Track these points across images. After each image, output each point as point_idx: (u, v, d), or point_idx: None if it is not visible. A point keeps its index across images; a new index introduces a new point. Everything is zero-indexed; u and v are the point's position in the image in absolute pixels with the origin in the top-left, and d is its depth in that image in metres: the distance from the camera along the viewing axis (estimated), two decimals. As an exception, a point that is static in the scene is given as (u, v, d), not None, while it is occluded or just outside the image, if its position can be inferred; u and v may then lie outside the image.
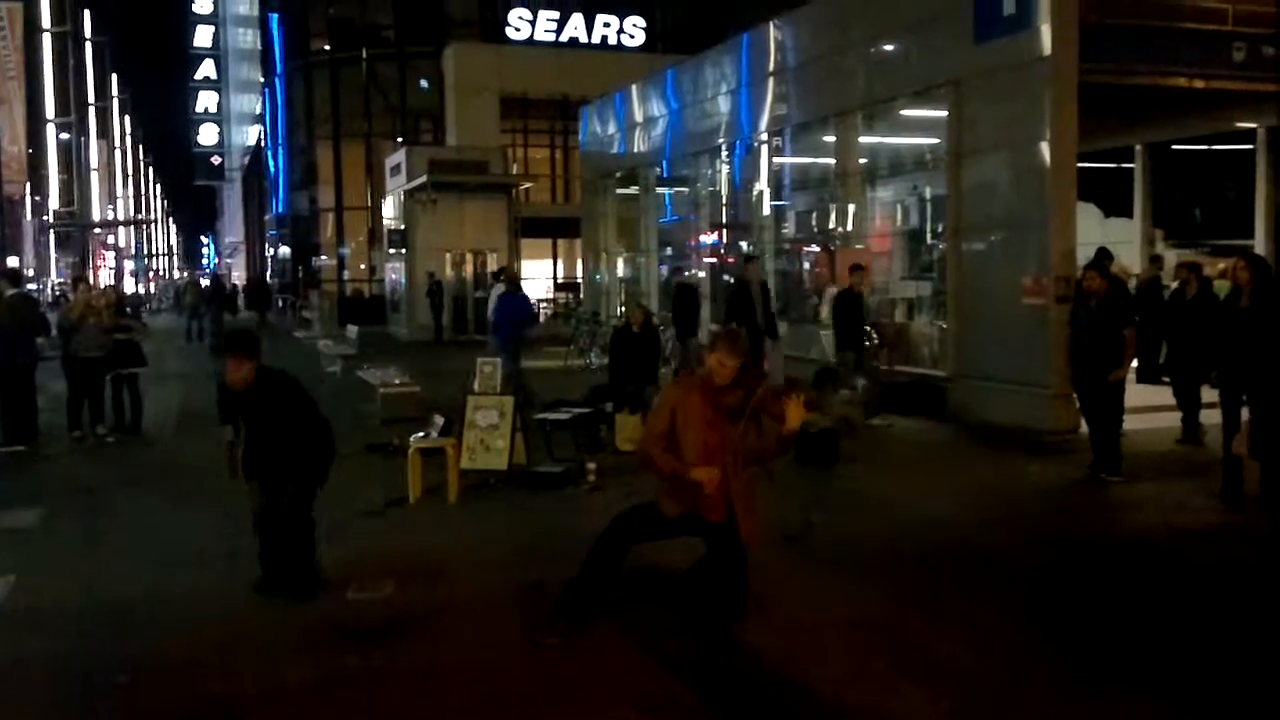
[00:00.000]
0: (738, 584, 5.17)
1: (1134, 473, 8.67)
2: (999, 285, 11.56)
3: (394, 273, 31.86)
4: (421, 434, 8.58)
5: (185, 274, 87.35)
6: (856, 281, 11.88)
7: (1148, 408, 10.62)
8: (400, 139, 37.30)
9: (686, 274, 19.50)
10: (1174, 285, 10.96)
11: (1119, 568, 6.38)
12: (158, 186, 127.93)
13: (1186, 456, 9.63)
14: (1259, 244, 15.41)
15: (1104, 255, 9.81)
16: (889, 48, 13.75)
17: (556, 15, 38.29)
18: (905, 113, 13.85)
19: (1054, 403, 10.53)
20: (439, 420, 8.64)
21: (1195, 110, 14.58)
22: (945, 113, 12.52)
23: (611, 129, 23.65)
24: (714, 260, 20.10)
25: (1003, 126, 11.68)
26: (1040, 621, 5.40)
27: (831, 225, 15.73)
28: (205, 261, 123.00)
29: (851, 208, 14.83)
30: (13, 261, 39.00)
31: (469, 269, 28.39)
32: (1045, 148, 11.03)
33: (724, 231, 20.46)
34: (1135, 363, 10.25)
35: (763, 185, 17.29)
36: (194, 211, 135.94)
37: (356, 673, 4.78)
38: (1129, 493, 8.29)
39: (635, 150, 22.32)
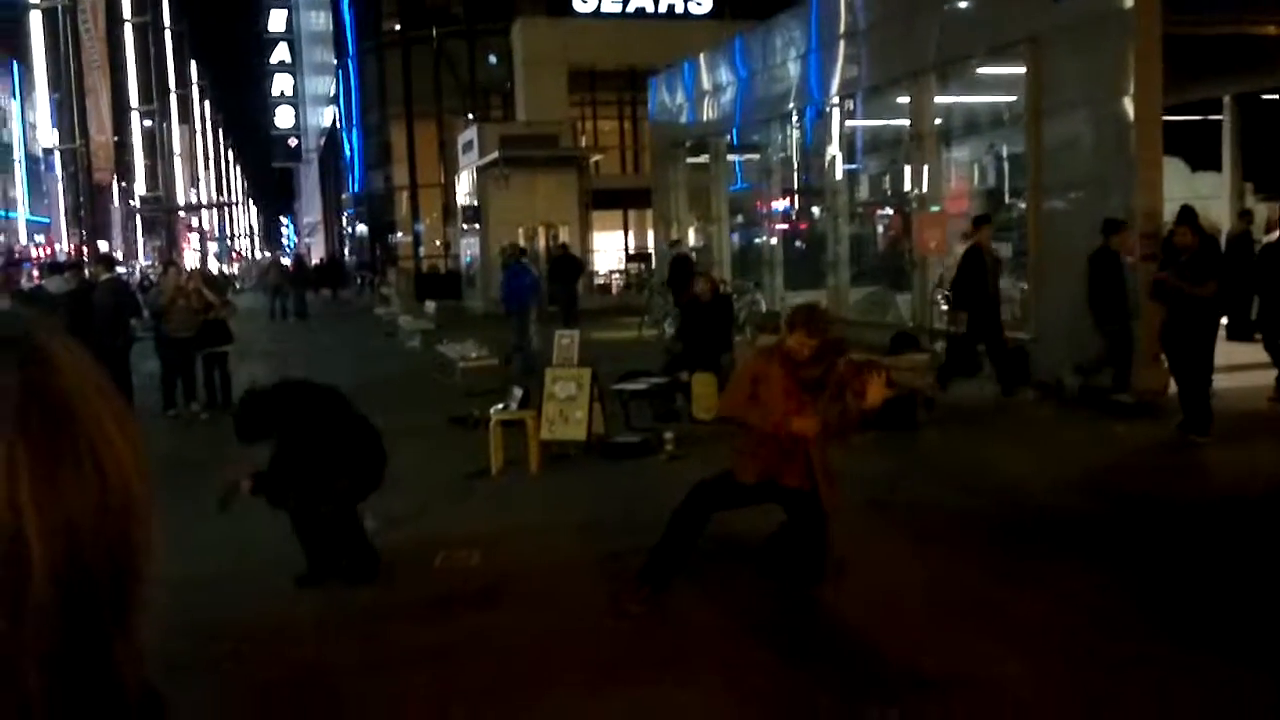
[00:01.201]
0: (818, 549, 5.21)
1: (1224, 433, 8.46)
2: (1083, 245, 11.30)
3: (469, 248, 32.21)
4: (501, 406, 8.73)
5: (267, 254, 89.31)
6: (1119, 243, 10.04)
7: (1240, 366, 10.33)
8: (471, 116, 37.58)
9: (684, 247, 20.57)
10: (1267, 239, 10.61)
11: (1205, 531, 6.26)
12: (238, 169, 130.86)
13: (1280, 416, 9.37)
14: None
15: (1189, 213, 9.50)
16: (963, 5, 13.46)
17: (623, -15, 38.11)
18: (981, 71, 13.57)
19: (1139, 362, 10.29)
20: (518, 392, 8.78)
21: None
22: (1023, 70, 12.24)
23: (680, 98, 23.54)
24: (785, 226, 19.97)
25: (1083, 82, 11.37)
26: (1124, 586, 5.34)
27: (907, 188, 15.51)
28: (285, 241, 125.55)
29: (926, 169, 14.60)
30: (103, 246, 40.31)
31: (541, 242, 28.61)
32: (1128, 103, 10.71)
33: (795, 197, 20.31)
34: (1225, 320, 9.97)
35: (835, 150, 17.09)
36: (273, 193, 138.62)
37: (445, 642, 4.93)
38: (1218, 454, 8.11)
39: (704, 119, 22.20)
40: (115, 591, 0.66)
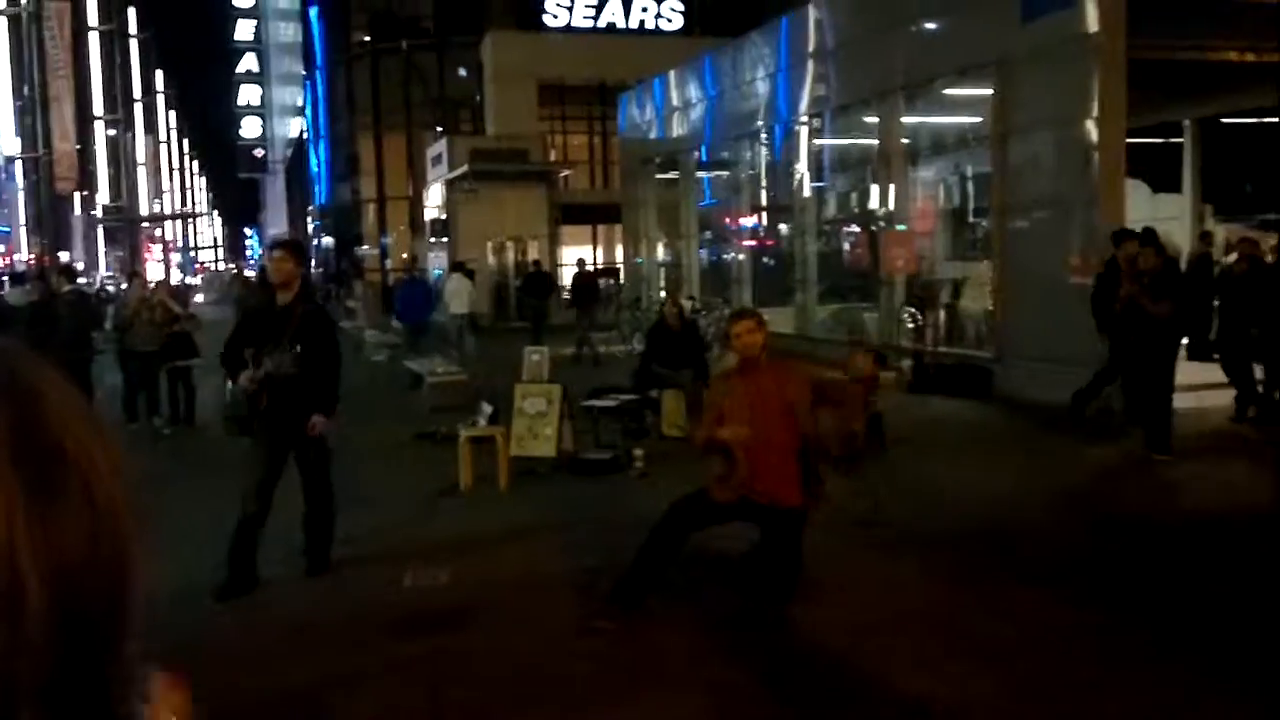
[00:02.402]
0: (790, 568, 5.22)
1: (1187, 451, 8.59)
2: (1045, 264, 11.46)
3: (436, 262, 32.16)
4: (470, 422, 8.69)
5: (232, 267, 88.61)
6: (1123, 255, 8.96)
7: (1199, 385, 10.48)
8: (440, 129, 37.52)
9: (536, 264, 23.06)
10: (1226, 260, 10.78)
11: (1170, 548, 6.33)
12: (203, 180, 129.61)
13: (1239, 434, 9.51)
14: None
15: (1150, 235, 9.60)
16: (931, 26, 13.63)
17: (594, 1, 38.26)
18: (948, 92, 13.73)
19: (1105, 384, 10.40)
20: (487, 408, 8.74)
21: (1245, 84, 14.30)
22: (989, 91, 12.40)
23: (650, 114, 23.64)
24: (753, 242, 20.09)
25: (1049, 104, 11.55)
26: (1096, 605, 5.38)
27: (874, 205, 15.65)
28: (250, 254, 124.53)
29: (893, 188, 14.75)
30: (63, 257, 39.77)
31: (509, 256, 28.56)
32: (1092, 125, 10.90)
33: (764, 214, 20.42)
34: (1185, 340, 10.12)
35: (803, 167, 17.23)
36: (238, 204, 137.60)
37: (415, 660, 4.88)
38: (1178, 472, 8.22)
39: (674, 135, 22.30)
40: (107, 622, 0.66)
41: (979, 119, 13.18)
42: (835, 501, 5.47)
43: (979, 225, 13.64)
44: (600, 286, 23.78)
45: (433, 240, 32.01)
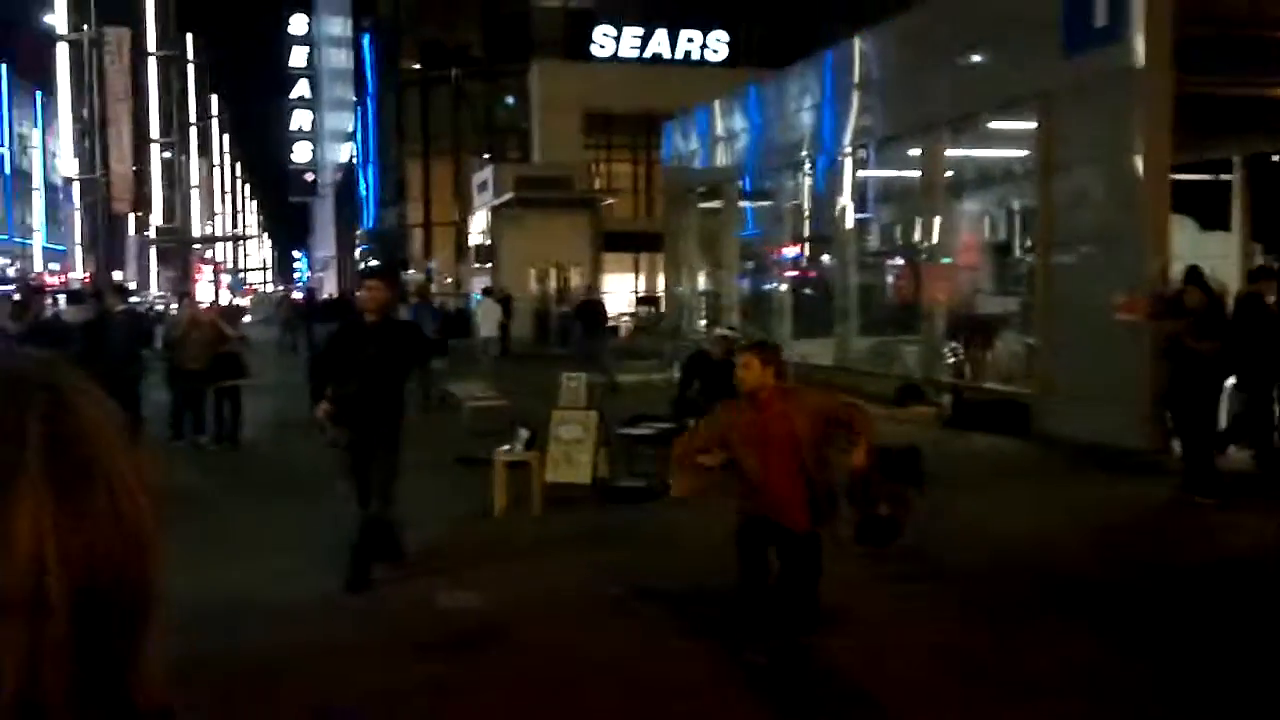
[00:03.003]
0: (805, 597, 5.14)
1: (1229, 494, 8.44)
2: (1089, 301, 11.34)
3: (481, 287, 32.49)
4: (506, 447, 8.75)
5: (281, 288, 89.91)
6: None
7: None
8: (487, 155, 37.96)
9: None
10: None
11: (1203, 593, 6.22)
12: (254, 203, 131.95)
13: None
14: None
15: (1195, 273, 9.54)
16: (976, 60, 13.62)
17: (640, 32, 38.61)
18: (992, 125, 13.70)
19: (1143, 421, 10.27)
20: (524, 433, 8.81)
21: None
22: (1034, 125, 12.36)
23: (694, 144, 23.76)
24: (795, 273, 20.08)
25: (1094, 139, 11.48)
26: (1121, 649, 5.31)
27: (917, 238, 15.61)
28: (298, 276, 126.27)
29: (937, 221, 14.70)
30: (117, 276, 40.63)
31: (551, 283, 28.77)
32: (1138, 161, 10.80)
33: (805, 245, 20.42)
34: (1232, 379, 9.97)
35: (845, 199, 17.22)
36: (287, 226, 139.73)
37: (444, 680, 4.92)
38: (1220, 516, 8.07)
39: (717, 164, 22.39)
40: (129, 625, 0.69)
41: (1024, 152, 13.13)
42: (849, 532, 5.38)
43: (1024, 260, 13.54)
44: (606, 313, 23.93)
45: (476, 266, 32.32)
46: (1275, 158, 16.83)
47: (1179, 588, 6.32)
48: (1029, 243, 13.16)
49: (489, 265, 30.12)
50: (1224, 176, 17.17)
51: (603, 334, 19.08)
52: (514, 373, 16.58)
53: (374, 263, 49.78)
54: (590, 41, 38.44)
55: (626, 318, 33.78)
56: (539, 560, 7.09)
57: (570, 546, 7.44)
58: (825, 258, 18.71)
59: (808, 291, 19.95)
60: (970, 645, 5.29)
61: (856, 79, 16.40)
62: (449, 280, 41.61)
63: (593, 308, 19.90)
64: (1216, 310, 9.43)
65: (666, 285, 27.36)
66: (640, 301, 36.86)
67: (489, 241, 30.14)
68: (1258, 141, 15.94)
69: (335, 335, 6.99)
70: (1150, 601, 6.07)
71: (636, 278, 39.73)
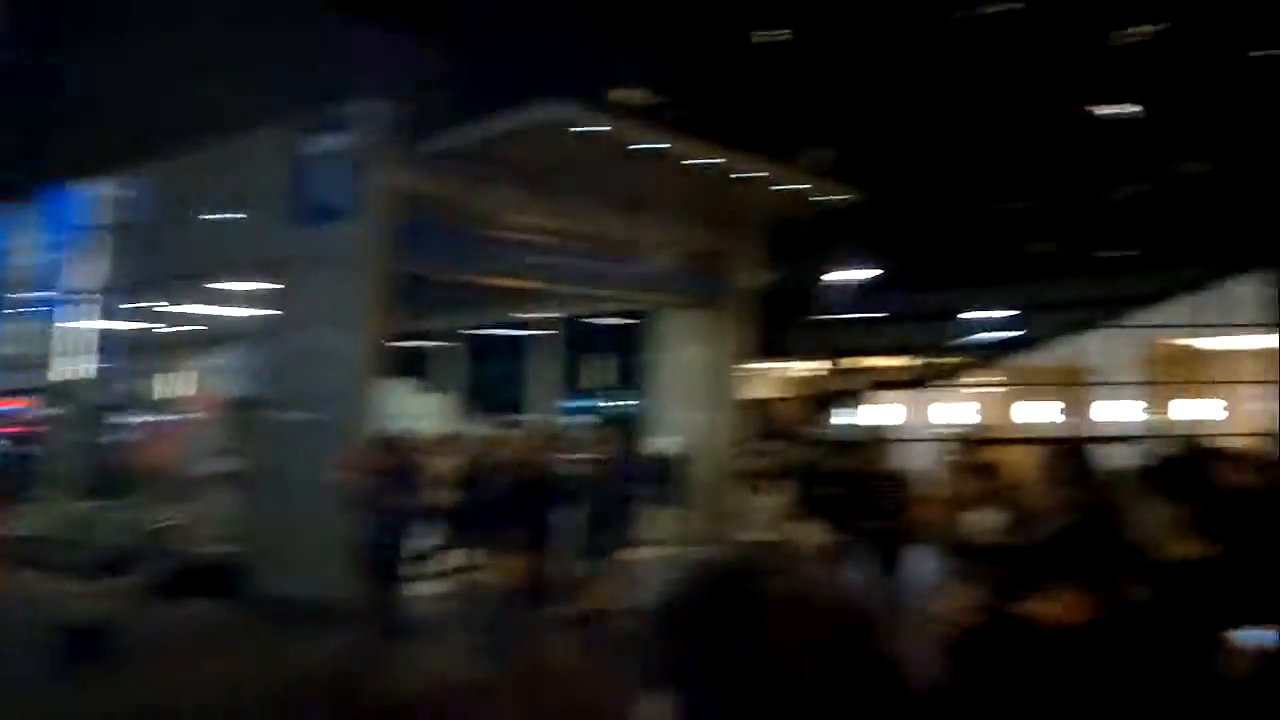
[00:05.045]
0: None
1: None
2: (303, 459, 11.58)
3: None
4: None
5: None
6: None
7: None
8: None
9: None
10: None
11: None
12: None
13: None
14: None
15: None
16: (216, 219, 13.61)
17: None
18: (229, 285, 13.79)
19: (345, 572, 10.40)
20: None
21: (502, 301, 16.50)
22: (269, 286, 12.66)
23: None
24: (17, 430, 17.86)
25: (322, 306, 12.04)
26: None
27: (151, 393, 14.86)
28: None
29: (172, 376, 14.18)
30: None
31: None
32: (361, 329, 11.62)
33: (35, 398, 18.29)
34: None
35: (76, 349, 15.83)
36: None
37: None
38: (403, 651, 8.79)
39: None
40: None
41: (261, 311, 13.31)
42: None
43: (248, 419, 13.56)
44: None
45: None
46: (483, 331, 19.65)
47: None
48: (254, 403, 13.26)
49: None
50: (442, 344, 19.51)
51: None
52: None
53: None
54: None
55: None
56: None
57: None
58: (51, 412, 16.91)
59: (35, 450, 17.75)
60: None
61: (101, 223, 15.41)
62: None
63: None
64: (407, 469, 10.37)
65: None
66: None
67: None
68: (470, 316, 18.35)
69: None
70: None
71: None
